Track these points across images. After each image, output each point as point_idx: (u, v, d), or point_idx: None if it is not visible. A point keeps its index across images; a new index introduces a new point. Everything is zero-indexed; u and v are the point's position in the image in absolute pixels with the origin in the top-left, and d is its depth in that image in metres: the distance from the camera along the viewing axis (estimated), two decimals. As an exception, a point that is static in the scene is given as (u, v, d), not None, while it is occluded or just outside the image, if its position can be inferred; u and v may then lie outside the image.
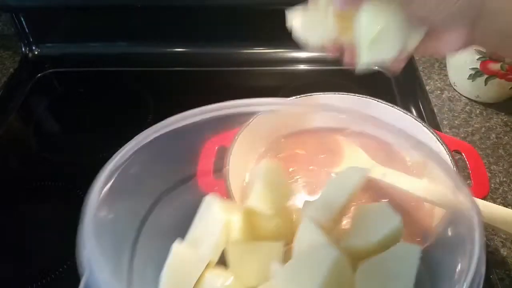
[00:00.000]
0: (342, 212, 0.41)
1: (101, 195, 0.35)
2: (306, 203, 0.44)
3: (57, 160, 0.70)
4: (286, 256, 0.41)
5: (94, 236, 0.32)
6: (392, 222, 0.38)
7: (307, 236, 0.39)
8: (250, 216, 0.42)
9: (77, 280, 0.53)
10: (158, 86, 0.82)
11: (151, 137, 0.39)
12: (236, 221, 0.41)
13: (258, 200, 0.41)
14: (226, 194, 0.48)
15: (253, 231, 0.42)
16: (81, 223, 0.33)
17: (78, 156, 0.70)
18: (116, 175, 0.37)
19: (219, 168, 0.50)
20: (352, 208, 0.44)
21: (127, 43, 0.88)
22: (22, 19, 0.84)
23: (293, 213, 0.45)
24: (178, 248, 0.40)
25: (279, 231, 0.42)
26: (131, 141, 0.38)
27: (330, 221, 0.41)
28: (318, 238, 0.38)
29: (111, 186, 0.36)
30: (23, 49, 0.88)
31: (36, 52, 0.88)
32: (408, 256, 0.35)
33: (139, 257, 0.40)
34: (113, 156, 0.37)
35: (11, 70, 0.85)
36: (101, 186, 0.36)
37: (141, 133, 0.39)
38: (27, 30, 0.86)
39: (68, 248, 0.60)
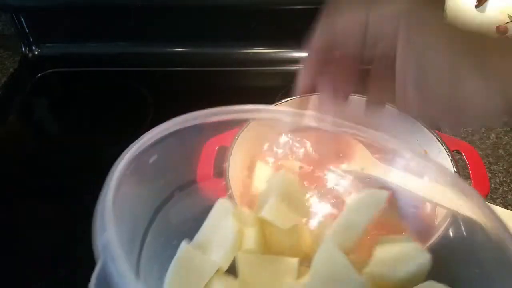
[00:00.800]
0: (361, 237, 0.41)
1: (120, 182, 0.33)
2: (323, 224, 0.43)
3: (57, 160, 0.70)
4: (300, 276, 0.40)
5: (112, 222, 0.30)
6: (420, 258, 0.37)
7: (328, 257, 0.38)
8: (264, 228, 0.41)
9: (77, 280, 0.53)
10: (158, 86, 0.82)
11: (172, 130, 0.38)
12: (249, 231, 0.40)
13: (273, 212, 0.40)
14: (226, 194, 0.48)
15: (267, 244, 0.41)
16: (100, 205, 0.31)
17: (78, 156, 0.70)
18: (134, 163, 0.35)
19: (220, 168, 0.50)
20: (376, 238, 0.43)
21: (127, 43, 0.88)
22: (22, 19, 0.84)
23: (309, 233, 0.44)
24: (186, 249, 0.38)
25: (293, 248, 0.41)
26: (150, 131, 0.38)
27: (350, 245, 0.40)
28: (340, 261, 0.37)
29: (129, 173, 0.35)
30: (23, 49, 0.88)
31: (36, 52, 0.88)
32: None
33: (146, 252, 0.39)
34: (134, 143, 0.36)
35: (11, 70, 0.85)
36: (121, 172, 0.34)
37: (164, 123, 0.38)
38: (27, 30, 0.86)
39: (68, 248, 0.60)
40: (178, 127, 0.39)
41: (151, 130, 0.38)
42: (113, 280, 0.28)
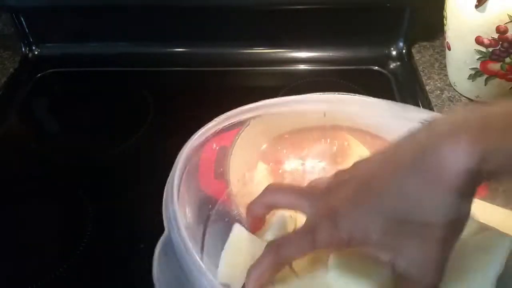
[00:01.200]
0: None
1: (186, 164, 0.38)
2: None
3: (57, 160, 0.70)
4: None
5: (177, 197, 0.35)
6: None
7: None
8: None
9: (76, 280, 0.53)
10: (159, 86, 0.82)
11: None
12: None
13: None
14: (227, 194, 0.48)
15: None
16: (169, 181, 0.35)
17: (78, 156, 0.70)
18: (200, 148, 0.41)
19: (220, 168, 0.50)
20: None
21: (127, 43, 0.88)
22: (22, 19, 0.84)
23: None
24: (238, 232, 0.41)
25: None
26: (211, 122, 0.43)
27: None
28: None
29: (196, 157, 0.40)
30: (23, 49, 0.88)
31: (36, 52, 0.88)
32: (494, 244, 0.33)
33: (211, 230, 0.42)
34: (204, 127, 0.42)
35: (11, 70, 0.85)
36: (188, 154, 0.38)
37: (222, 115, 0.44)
38: (27, 30, 0.86)
39: (68, 248, 0.60)
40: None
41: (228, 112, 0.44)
42: (175, 247, 0.33)
